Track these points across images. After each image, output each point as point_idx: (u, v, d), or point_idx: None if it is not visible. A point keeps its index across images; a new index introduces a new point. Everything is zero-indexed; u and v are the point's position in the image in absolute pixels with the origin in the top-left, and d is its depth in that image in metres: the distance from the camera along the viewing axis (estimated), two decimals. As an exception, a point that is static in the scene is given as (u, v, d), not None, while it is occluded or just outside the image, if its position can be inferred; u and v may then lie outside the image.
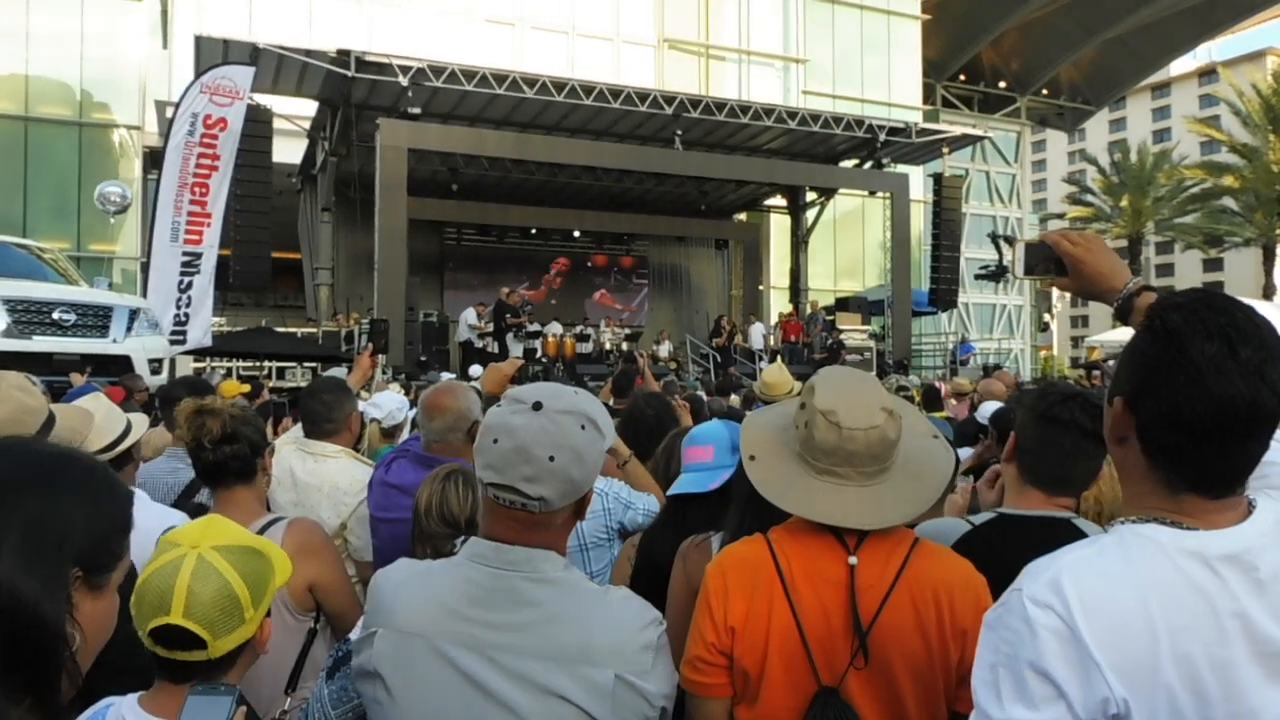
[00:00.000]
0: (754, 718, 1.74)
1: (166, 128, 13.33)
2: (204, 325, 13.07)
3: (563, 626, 1.54)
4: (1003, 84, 38.74)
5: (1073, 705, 1.22)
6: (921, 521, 2.15)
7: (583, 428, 1.57)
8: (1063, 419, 2.07)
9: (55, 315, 8.98)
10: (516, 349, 17.76)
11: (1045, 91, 39.51)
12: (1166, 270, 77.42)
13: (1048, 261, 1.73)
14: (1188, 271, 75.12)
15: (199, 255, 12.82)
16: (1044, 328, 32.97)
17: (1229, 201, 36.08)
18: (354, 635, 1.76)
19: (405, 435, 5.07)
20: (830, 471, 1.78)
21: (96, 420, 2.79)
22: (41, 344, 8.68)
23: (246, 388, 7.58)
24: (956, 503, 2.76)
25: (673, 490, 2.57)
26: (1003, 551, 1.76)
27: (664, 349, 21.49)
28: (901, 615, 1.70)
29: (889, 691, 1.70)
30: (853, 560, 1.73)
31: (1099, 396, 1.94)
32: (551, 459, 1.51)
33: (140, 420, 3.58)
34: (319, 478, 3.46)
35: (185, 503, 3.30)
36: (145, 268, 13.05)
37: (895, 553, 1.76)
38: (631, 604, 1.63)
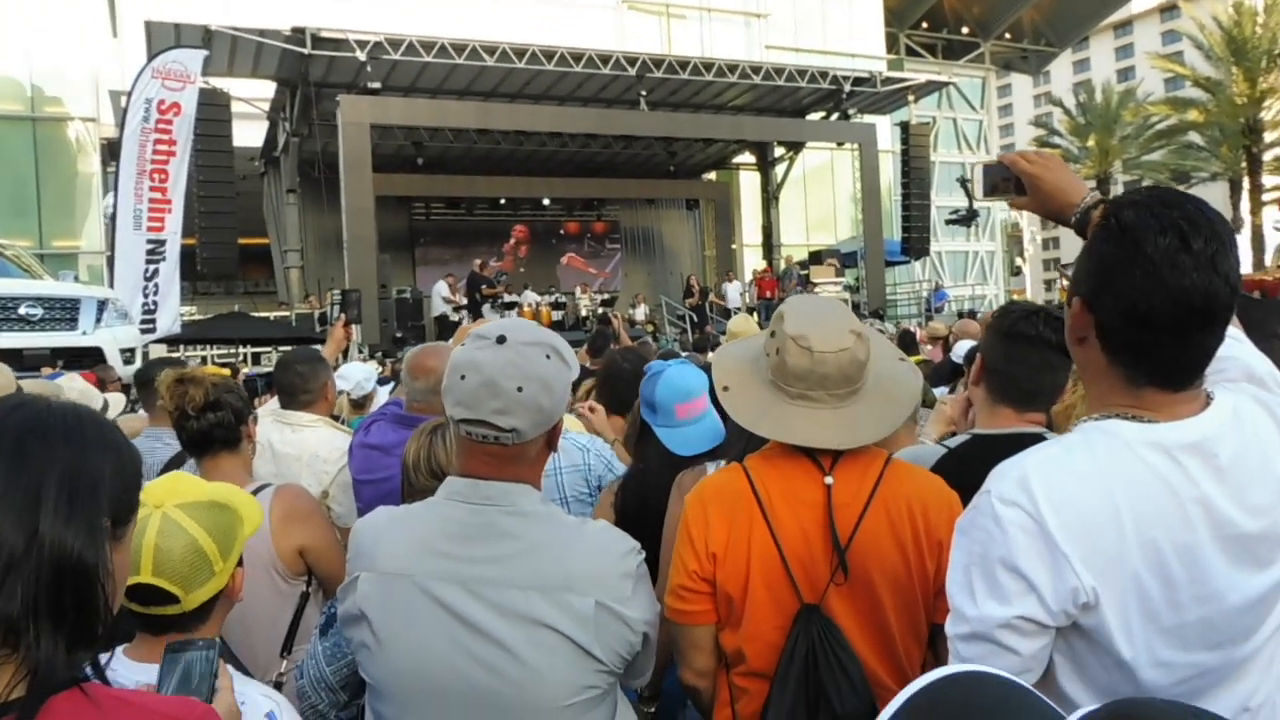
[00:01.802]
0: (739, 640, 1.77)
1: (121, 116, 13.08)
2: (172, 313, 12.92)
3: (542, 557, 1.56)
4: (965, 30, 38.53)
5: (1044, 598, 1.25)
6: (898, 449, 2.18)
7: (548, 357, 1.58)
8: (1027, 334, 2.09)
9: (21, 310, 8.85)
10: (494, 320, 17.65)
11: (1008, 35, 39.32)
12: (1135, 208, 77.74)
13: (1006, 181, 1.74)
14: (1156, 208, 75.26)
15: (163, 242, 12.64)
16: (1016, 272, 33.09)
17: (1194, 137, 36.24)
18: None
19: (376, 406, 5.06)
20: (804, 396, 1.80)
21: (73, 397, 2.77)
22: (9, 340, 8.55)
23: (227, 372, 7.53)
24: (946, 413, 2.78)
25: (695, 450, 2.51)
26: (979, 471, 1.79)
27: (640, 312, 21.47)
28: (878, 530, 1.74)
29: (869, 605, 1.74)
30: (829, 480, 1.77)
31: (1060, 311, 1.96)
32: (520, 390, 1.52)
33: (117, 399, 3.57)
34: (297, 448, 3.46)
35: (166, 479, 3.29)
36: (111, 261, 12.86)
37: (869, 471, 1.79)
38: (609, 534, 1.66)
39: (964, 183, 1.93)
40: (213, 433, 2.58)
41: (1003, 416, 2.16)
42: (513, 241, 25.70)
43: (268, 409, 3.81)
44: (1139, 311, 1.26)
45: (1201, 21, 33.88)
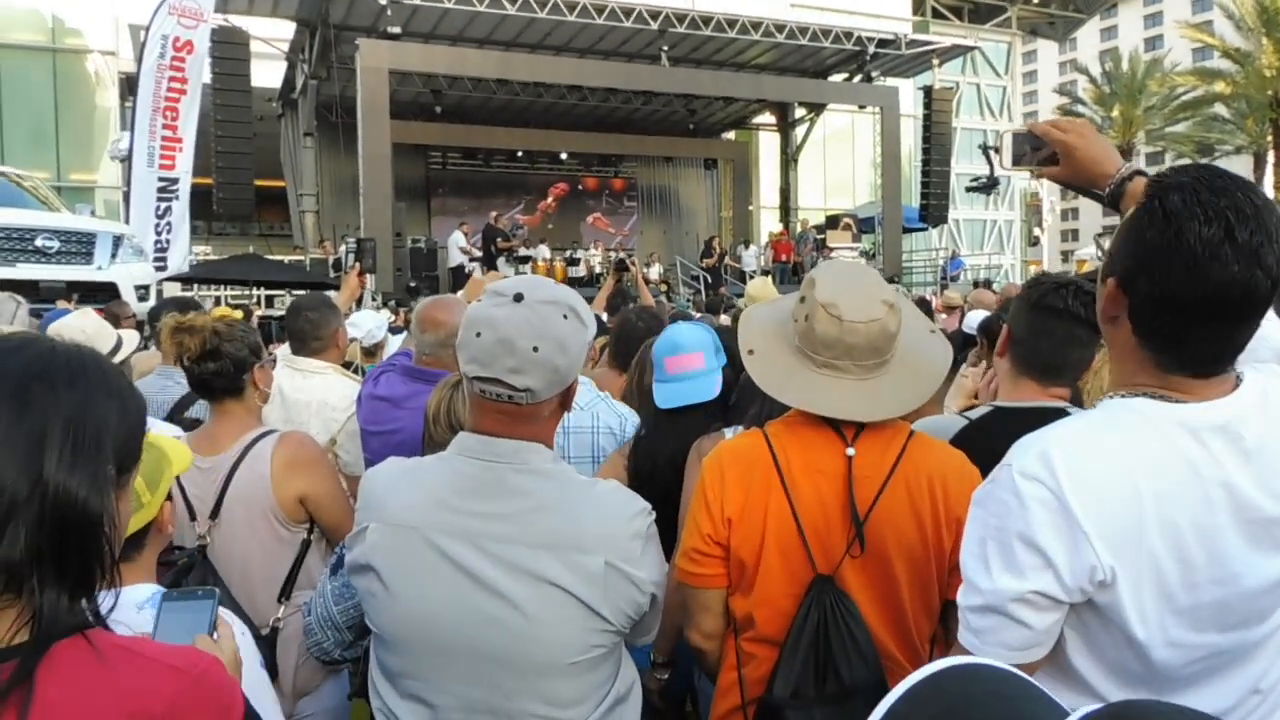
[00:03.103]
0: (750, 606, 1.76)
1: (139, 51, 13.01)
2: (182, 251, 12.96)
3: (552, 515, 1.54)
4: (993, -8, 37.88)
5: (1060, 574, 1.23)
6: (920, 418, 2.15)
7: (565, 317, 1.54)
8: (1056, 307, 2.05)
9: (38, 242, 8.84)
10: (508, 273, 17.66)
11: (1036, 0, 38.70)
12: (1157, 182, 76.81)
13: (1036, 151, 1.68)
14: (1179, 183, 74.38)
15: (175, 180, 12.64)
16: (1034, 242, 32.67)
17: (1220, 109, 35.69)
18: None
19: (387, 354, 5.05)
20: (830, 364, 1.76)
21: (86, 337, 2.75)
22: (26, 271, 8.55)
23: (239, 315, 7.54)
24: (967, 387, 2.74)
25: (675, 404, 2.50)
26: (999, 443, 1.76)
27: (654, 271, 21.38)
28: (897, 504, 1.71)
29: (884, 579, 1.72)
30: (850, 451, 1.74)
31: (1091, 284, 1.91)
32: (535, 349, 1.49)
33: (131, 337, 3.55)
34: (308, 394, 3.44)
35: (178, 417, 3.29)
36: (127, 197, 12.88)
37: (892, 444, 1.77)
38: (620, 494, 1.64)
39: (990, 150, 1.87)
40: (213, 382, 2.55)
41: (1025, 389, 2.12)
42: (550, 199, 25.55)
43: (279, 354, 3.80)
44: (1175, 301, 1.23)
45: (1234, -10, 33.17)
